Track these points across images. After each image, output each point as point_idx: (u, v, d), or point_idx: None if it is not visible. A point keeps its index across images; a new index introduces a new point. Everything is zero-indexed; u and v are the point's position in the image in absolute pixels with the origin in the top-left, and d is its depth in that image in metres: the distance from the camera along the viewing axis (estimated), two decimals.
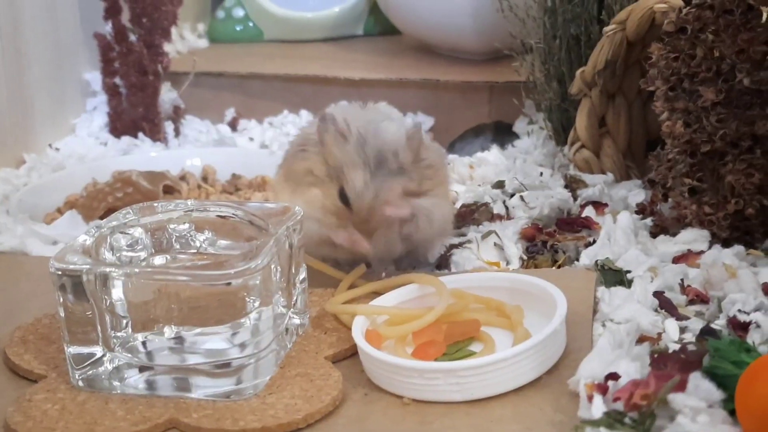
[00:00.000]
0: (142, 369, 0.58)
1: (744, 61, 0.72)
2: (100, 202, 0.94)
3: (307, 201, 0.68)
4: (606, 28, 0.89)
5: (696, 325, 0.64)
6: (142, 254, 0.63)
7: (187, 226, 0.65)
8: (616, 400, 0.52)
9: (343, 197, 0.67)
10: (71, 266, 0.57)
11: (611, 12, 0.93)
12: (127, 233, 0.63)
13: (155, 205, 0.66)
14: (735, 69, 0.72)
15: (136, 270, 0.57)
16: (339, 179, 0.67)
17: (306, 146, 0.71)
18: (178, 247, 0.65)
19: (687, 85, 0.75)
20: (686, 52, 0.74)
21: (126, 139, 1.15)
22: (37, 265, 0.78)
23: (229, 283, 0.55)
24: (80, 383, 0.58)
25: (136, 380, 0.58)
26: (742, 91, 0.73)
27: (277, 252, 0.59)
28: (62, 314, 0.58)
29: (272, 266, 0.58)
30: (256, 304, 0.57)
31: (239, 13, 1.43)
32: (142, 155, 1.08)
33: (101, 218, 0.89)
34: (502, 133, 1.14)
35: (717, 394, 0.52)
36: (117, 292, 0.56)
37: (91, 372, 0.58)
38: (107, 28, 1.14)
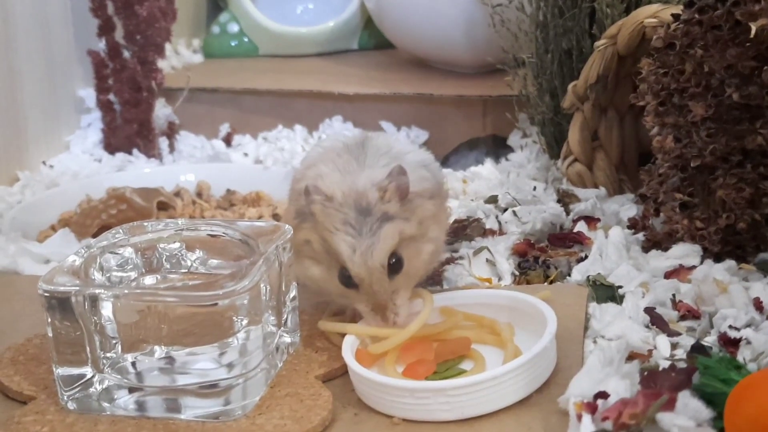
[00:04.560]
0: (131, 390, 0.57)
1: (733, 76, 0.72)
2: (94, 219, 0.93)
3: (308, 278, 0.65)
4: (597, 43, 0.89)
5: (687, 341, 0.64)
6: (133, 274, 0.63)
7: (177, 245, 0.65)
8: (604, 419, 0.52)
9: (344, 278, 0.62)
10: (60, 288, 0.56)
11: (602, 26, 0.93)
12: (117, 253, 0.63)
13: (145, 224, 0.66)
14: (724, 84, 0.72)
15: (125, 291, 0.57)
16: (336, 258, 0.62)
17: (303, 216, 0.65)
18: (168, 266, 0.65)
19: (677, 100, 0.75)
20: (675, 68, 0.74)
21: (120, 156, 1.15)
22: (28, 284, 0.78)
23: (215, 304, 0.55)
24: (70, 405, 0.58)
25: (125, 401, 0.58)
26: (732, 106, 0.73)
27: (267, 271, 0.59)
28: (51, 335, 0.57)
29: (261, 285, 0.58)
30: (244, 323, 0.57)
31: (234, 28, 1.44)
32: (136, 171, 1.08)
33: (95, 235, 0.89)
34: (497, 147, 1.15)
35: (706, 413, 0.51)
36: (106, 313, 0.56)
37: (80, 393, 0.58)
38: (101, 45, 1.14)
